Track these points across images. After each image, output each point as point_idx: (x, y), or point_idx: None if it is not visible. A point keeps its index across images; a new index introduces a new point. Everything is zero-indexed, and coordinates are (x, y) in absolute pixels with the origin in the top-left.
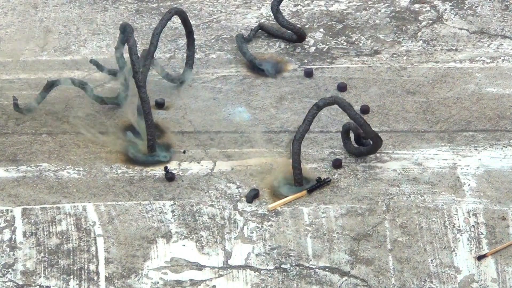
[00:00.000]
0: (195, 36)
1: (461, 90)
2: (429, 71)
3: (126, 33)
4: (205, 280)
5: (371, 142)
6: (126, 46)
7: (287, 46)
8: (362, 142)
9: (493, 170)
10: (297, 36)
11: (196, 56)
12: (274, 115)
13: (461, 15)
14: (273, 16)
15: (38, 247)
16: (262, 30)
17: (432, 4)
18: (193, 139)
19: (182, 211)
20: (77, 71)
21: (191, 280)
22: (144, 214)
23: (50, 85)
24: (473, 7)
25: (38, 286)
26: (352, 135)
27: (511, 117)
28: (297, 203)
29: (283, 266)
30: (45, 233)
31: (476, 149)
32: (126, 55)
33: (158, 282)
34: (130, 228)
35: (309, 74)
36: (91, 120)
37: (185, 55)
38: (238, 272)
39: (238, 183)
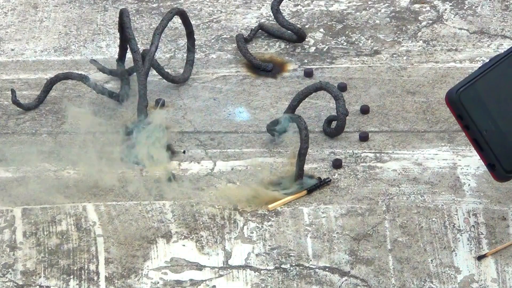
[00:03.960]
0: (195, 36)
1: None
2: (429, 71)
3: (123, 16)
4: (205, 280)
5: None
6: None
7: (287, 46)
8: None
9: None
10: (297, 36)
11: (196, 56)
12: (274, 115)
13: (461, 15)
14: (273, 16)
15: (38, 247)
16: (262, 30)
17: (432, 4)
18: (193, 139)
19: (182, 211)
20: (77, 71)
21: (191, 280)
22: (144, 214)
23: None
24: (473, 7)
25: (38, 286)
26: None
27: None
28: (297, 203)
29: (283, 266)
30: (45, 233)
31: None
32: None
33: (158, 282)
34: (130, 228)
35: (309, 74)
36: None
37: (185, 55)
38: (238, 272)
39: (238, 183)
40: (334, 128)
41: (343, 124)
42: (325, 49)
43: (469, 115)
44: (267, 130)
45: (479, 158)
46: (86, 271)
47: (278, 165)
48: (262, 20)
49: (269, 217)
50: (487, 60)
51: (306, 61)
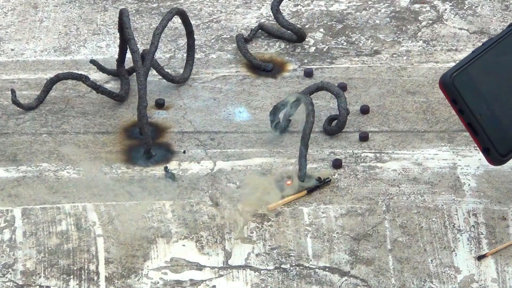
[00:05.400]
0: (195, 36)
1: None
2: (429, 71)
3: (123, 17)
4: (205, 280)
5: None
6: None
7: (287, 46)
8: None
9: (493, 170)
10: (297, 36)
11: (196, 56)
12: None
13: (461, 15)
14: (273, 16)
15: (38, 247)
16: (262, 30)
17: (432, 4)
18: (193, 139)
19: (182, 211)
20: (77, 71)
21: (191, 280)
22: (144, 214)
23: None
24: (473, 7)
25: (38, 286)
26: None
27: None
28: (297, 203)
29: (283, 266)
30: (45, 233)
31: (476, 149)
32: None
33: (158, 282)
34: (130, 228)
35: (309, 74)
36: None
37: (185, 55)
38: (238, 272)
39: (238, 183)
40: (335, 125)
41: (344, 119)
42: (325, 49)
43: (463, 99)
44: (270, 118)
45: (474, 143)
46: (86, 271)
47: (278, 165)
48: (262, 20)
49: (269, 217)
50: (480, 44)
51: (306, 61)
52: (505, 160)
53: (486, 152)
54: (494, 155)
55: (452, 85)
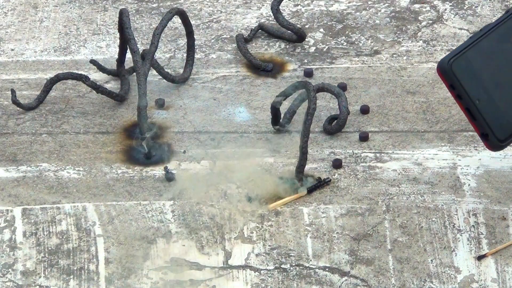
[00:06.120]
0: (195, 36)
1: None
2: (429, 71)
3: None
4: (205, 280)
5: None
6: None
7: (287, 46)
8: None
9: (493, 170)
10: (297, 36)
11: (196, 56)
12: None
13: (461, 15)
14: (273, 16)
15: (38, 247)
16: (262, 30)
17: (432, 4)
18: (193, 139)
19: (182, 211)
20: (77, 71)
21: (191, 280)
22: (144, 214)
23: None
24: (473, 7)
25: (38, 286)
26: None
27: None
28: (297, 203)
29: (283, 266)
30: (45, 233)
31: (476, 149)
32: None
33: (158, 282)
34: (130, 228)
35: (309, 74)
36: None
37: (185, 55)
38: (238, 272)
39: (238, 183)
40: (336, 123)
41: (345, 118)
42: (325, 49)
43: (461, 84)
44: (271, 112)
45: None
46: (86, 271)
47: (278, 165)
48: (262, 20)
49: (269, 217)
50: (478, 30)
51: (306, 61)
52: (503, 145)
53: (484, 137)
54: (493, 141)
55: (450, 70)
